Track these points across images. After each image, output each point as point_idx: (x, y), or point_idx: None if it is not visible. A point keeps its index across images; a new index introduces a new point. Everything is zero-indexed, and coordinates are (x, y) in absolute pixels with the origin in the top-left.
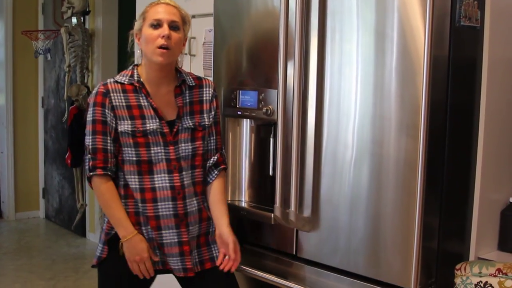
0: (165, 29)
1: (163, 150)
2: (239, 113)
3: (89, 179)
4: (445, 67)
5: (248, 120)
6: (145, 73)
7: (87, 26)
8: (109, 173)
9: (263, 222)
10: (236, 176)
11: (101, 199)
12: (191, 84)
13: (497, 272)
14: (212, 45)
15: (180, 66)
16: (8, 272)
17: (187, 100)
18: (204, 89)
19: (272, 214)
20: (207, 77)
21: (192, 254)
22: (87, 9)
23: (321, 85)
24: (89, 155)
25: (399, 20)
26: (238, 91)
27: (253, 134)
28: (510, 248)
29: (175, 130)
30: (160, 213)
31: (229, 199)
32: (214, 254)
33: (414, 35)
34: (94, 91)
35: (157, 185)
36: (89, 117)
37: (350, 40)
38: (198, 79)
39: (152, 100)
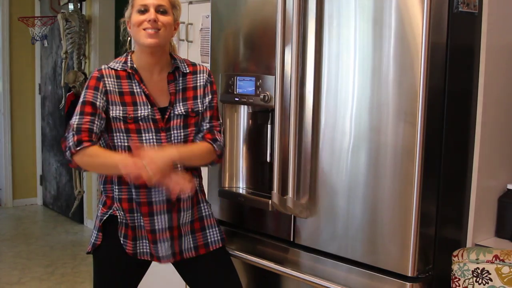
0: (151, 14)
1: (154, 137)
2: (236, 99)
3: (73, 155)
4: (443, 53)
5: (246, 106)
6: (138, 60)
7: (84, 12)
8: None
9: (261, 209)
10: (234, 163)
11: (94, 160)
12: (185, 71)
13: (494, 258)
14: (210, 31)
15: (176, 51)
16: (6, 259)
17: (180, 87)
18: (199, 75)
19: (270, 201)
20: (203, 63)
21: (181, 239)
22: None
23: (319, 71)
24: (73, 132)
25: (397, 6)
26: (235, 77)
27: (250, 121)
28: (507, 234)
29: (166, 116)
30: (153, 199)
31: (227, 186)
32: (209, 240)
33: (412, 21)
34: (89, 76)
35: None
36: (81, 99)
37: (347, 26)
38: (193, 65)
39: (144, 87)
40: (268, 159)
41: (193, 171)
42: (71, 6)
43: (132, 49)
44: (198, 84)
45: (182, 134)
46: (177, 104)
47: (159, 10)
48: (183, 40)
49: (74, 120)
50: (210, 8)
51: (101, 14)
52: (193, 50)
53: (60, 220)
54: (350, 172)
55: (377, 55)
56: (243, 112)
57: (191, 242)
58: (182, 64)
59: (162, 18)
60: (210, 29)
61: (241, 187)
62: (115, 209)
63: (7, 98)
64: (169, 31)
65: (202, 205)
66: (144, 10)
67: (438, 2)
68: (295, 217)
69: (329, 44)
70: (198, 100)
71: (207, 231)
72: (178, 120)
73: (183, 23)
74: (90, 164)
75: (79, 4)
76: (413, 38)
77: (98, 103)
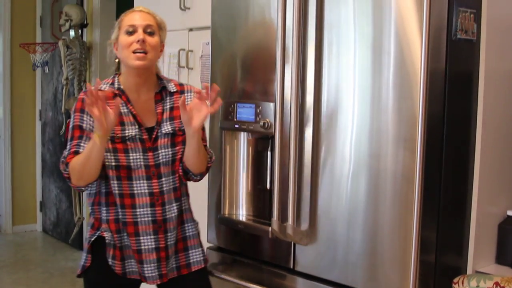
0: (139, 34)
1: (141, 156)
2: (236, 126)
3: (69, 179)
4: (442, 80)
5: (246, 133)
6: (125, 81)
7: (84, 39)
8: None
9: (261, 236)
10: (234, 189)
11: (77, 166)
12: (172, 90)
13: (494, 285)
14: (210, 58)
15: (161, 73)
16: (5, 286)
17: (167, 106)
18: (186, 94)
19: (270, 228)
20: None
21: (169, 260)
22: (85, 22)
23: (318, 98)
24: (63, 158)
25: (396, 33)
26: (235, 104)
27: (250, 147)
28: (508, 261)
29: (153, 136)
30: (139, 219)
31: (227, 213)
32: (191, 260)
33: (410, 48)
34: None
35: (135, 191)
36: (70, 124)
37: (347, 53)
38: (180, 85)
39: (131, 107)
40: (268, 186)
41: (181, 188)
42: (72, 33)
43: (119, 71)
44: (186, 103)
45: (170, 153)
46: (164, 123)
47: (147, 31)
48: (183, 67)
49: (67, 146)
50: (210, 35)
51: (102, 40)
52: (193, 77)
53: (60, 246)
54: (350, 199)
55: (377, 82)
56: (243, 139)
57: (173, 262)
58: (169, 84)
59: (150, 40)
60: (210, 56)
61: (241, 214)
62: (102, 230)
63: (8, 124)
64: (156, 52)
65: (187, 225)
66: (132, 31)
67: (437, 30)
68: (295, 244)
69: (328, 71)
70: None
71: (190, 251)
72: (166, 139)
73: (184, 50)
74: (80, 171)
75: (80, 31)
76: (412, 65)
77: (84, 125)
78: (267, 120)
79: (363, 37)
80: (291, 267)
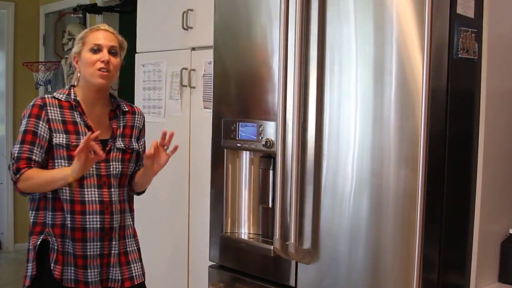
0: (105, 54)
1: (94, 166)
2: (238, 145)
3: (15, 183)
4: (443, 98)
5: (248, 152)
6: (82, 94)
7: None
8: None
9: (263, 254)
10: (236, 208)
11: (32, 182)
12: (124, 110)
13: None
14: (212, 77)
15: (114, 88)
16: None
17: (121, 124)
18: (137, 116)
19: (272, 246)
20: (206, 109)
21: (109, 267)
22: None
23: (320, 117)
24: (12, 160)
25: (398, 53)
26: (237, 123)
27: (252, 166)
28: (511, 279)
29: (107, 148)
30: (88, 226)
31: (229, 231)
32: (134, 274)
33: (412, 67)
34: (30, 104)
35: (87, 199)
36: (21, 127)
37: (349, 72)
38: (131, 106)
39: (86, 119)
40: (270, 205)
41: (126, 202)
42: None
43: (75, 83)
44: (136, 124)
45: (120, 167)
46: (118, 139)
47: (111, 51)
48: (185, 86)
49: (15, 149)
50: (212, 55)
51: None
52: (195, 96)
53: None
54: (352, 217)
55: (378, 101)
56: (245, 157)
57: (119, 274)
58: (122, 103)
59: (113, 60)
60: (212, 75)
61: (243, 232)
62: (46, 234)
63: (10, 142)
64: (117, 72)
65: (128, 240)
66: (97, 50)
67: (438, 49)
68: (297, 262)
69: (330, 90)
70: (133, 139)
71: (132, 265)
72: (118, 154)
73: (186, 69)
74: (32, 186)
75: None
76: (414, 84)
77: (39, 131)
78: (269, 138)
79: (364, 56)
80: (294, 285)
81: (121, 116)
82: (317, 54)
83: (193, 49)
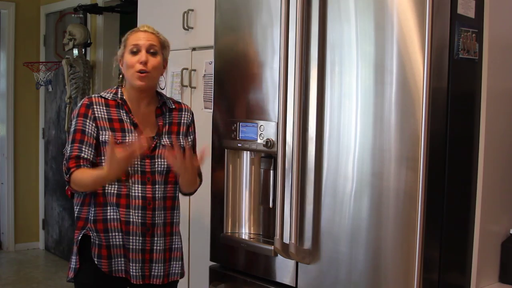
0: (142, 55)
1: (139, 163)
2: (239, 145)
3: (68, 183)
4: (444, 99)
5: (248, 152)
6: (127, 94)
7: (88, 58)
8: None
9: (264, 254)
10: (237, 208)
11: (83, 182)
12: (171, 107)
13: None
14: (213, 78)
15: (162, 88)
16: None
17: (167, 121)
18: (184, 113)
19: (272, 246)
20: (207, 110)
21: (153, 264)
22: (89, 41)
23: (321, 117)
24: (64, 161)
25: (398, 53)
26: (238, 123)
27: (253, 166)
28: (511, 279)
29: (153, 145)
30: (131, 219)
31: (230, 231)
32: (173, 271)
33: (413, 67)
34: (78, 104)
35: (131, 193)
36: (71, 128)
37: (349, 72)
38: (178, 103)
39: (133, 116)
40: (271, 205)
41: (173, 199)
42: (75, 52)
43: (122, 83)
44: (183, 121)
45: (165, 163)
46: (164, 136)
47: (150, 51)
48: (186, 86)
49: (66, 149)
50: (213, 55)
51: (105, 59)
52: (196, 96)
53: (62, 264)
54: (352, 218)
55: (379, 101)
56: (246, 157)
57: (161, 270)
58: (168, 101)
59: (152, 61)
60: (213, 75)
61: (244, 232)
62: (88, 229)
63: (11, 142)
64: (158, 72)
65: (175, 237)
66: (136, 51)
67: (439, 49)
68: (298, 263)
69: (331, 91)
70: (180, 136)
71: (172, 262)
72: (163, 150)
73: (187, 69)
74: (82, 185)
75: (83, 50)
76: (415, 84)
77: (87, 129)
78: (270, 139)
79: (365, 57)
80: (294, 285)
81: (168, 114)
82: (318, 54)
83: (194, 49)
